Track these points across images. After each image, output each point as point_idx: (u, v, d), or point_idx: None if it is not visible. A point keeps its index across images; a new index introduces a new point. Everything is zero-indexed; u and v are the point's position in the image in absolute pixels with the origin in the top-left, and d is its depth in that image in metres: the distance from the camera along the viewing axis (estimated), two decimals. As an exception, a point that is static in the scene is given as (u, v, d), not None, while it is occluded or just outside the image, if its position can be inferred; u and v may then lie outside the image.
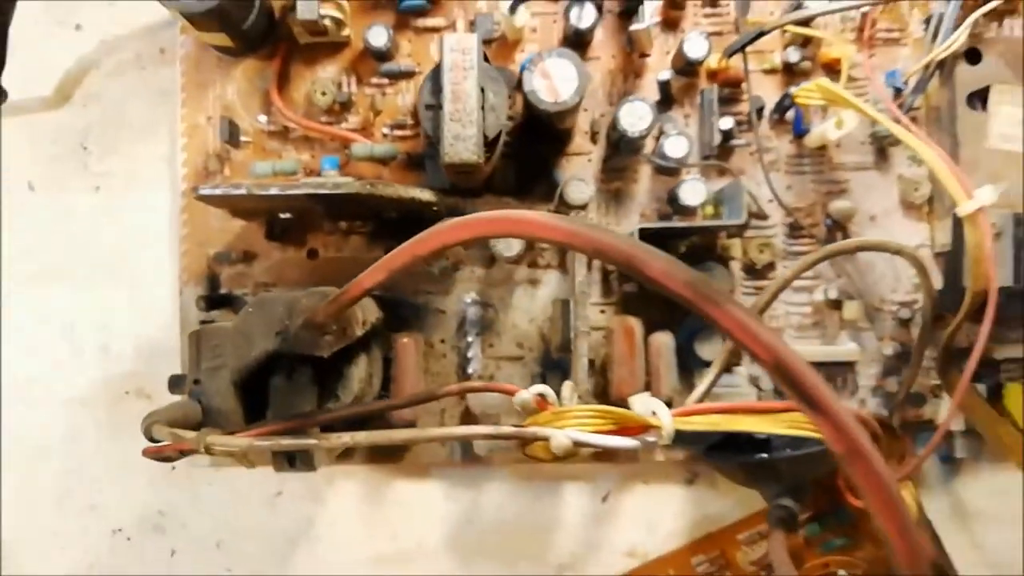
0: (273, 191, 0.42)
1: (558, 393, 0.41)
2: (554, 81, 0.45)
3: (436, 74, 0.44)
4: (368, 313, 0.45)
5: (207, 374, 0.42)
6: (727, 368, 0.51)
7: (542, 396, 0.37)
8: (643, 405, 0.38)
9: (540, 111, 0.46)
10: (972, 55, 0.49)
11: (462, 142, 0.44)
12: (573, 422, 0.36)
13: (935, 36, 0.50)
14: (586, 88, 0.46)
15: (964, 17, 0.49)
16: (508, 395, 0.37)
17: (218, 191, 0.42)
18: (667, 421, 0.36)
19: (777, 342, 0.20)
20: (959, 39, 0.48)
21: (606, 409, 0.37)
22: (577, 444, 0.35)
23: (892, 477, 0.19)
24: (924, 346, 0.47)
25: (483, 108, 0.44)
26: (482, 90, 0.44)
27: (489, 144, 0.45)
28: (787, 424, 0.39)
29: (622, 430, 0.37)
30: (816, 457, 0.44)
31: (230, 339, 0.42)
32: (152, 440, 0.38)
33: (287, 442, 0.36)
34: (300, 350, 0.41)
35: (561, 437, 0.34)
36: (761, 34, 0.47)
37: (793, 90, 0.50)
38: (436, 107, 0.44)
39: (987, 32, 0.52)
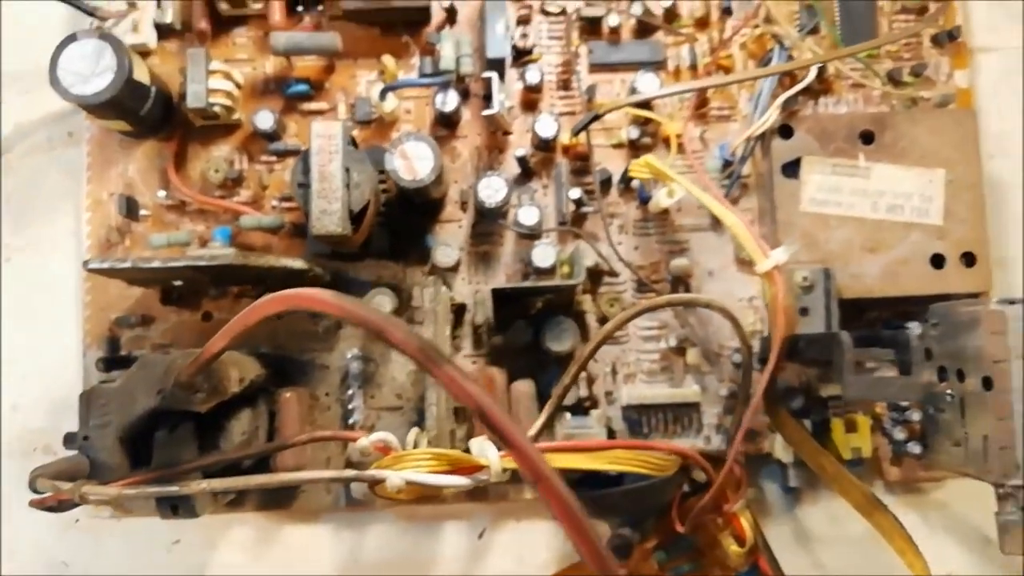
0: (155, 264, 0.47)
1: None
2: (412, 161, 0.52)
3: (306, 157, 0.50)
4: (246, 371, 0.50)
5: (95, 431, 0.47)
6: (584, 410, 0.57)
7: (384, 442, 0.42)
8: (478, 447, 0.43)
9: (400, 188, 0.52)
10: (785, 131, 0.56)
11: (328, 216, 0.49)
12: (411, 465, 0.41)
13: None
14: (441, 167, 0.52)
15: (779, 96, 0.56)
16: (351, 442, 0.42)
17: (105, 264, 0.47)
18: (495, 461, 0.42)
19: (480, 394, 0.26)
20: (771, 118, 0.55)
21: (442, 452, 0.42)
22: (410, 484, 0.40)
23: (572, 496, 0.24)
24: (748, 386, 0.53)
25: (348, 186, 0.50)
26: (347, 170, 0.50)
27: (355, 217, 0.51)
28: (607, 460, 0.45)
29: (456, 470, 0.42)
30: (650, 490, 0.50)
31: (116, 398, 0.47)
32: (36, 492, 0.43)
33: (152, 490, 0.40)
34: (177, 407, 0.45)
35: (395, 478, 0.39)
36: (596, 117, 0.54)
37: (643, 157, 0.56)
38: (306, 185, 0.50)
39: (803, 109, 0.60)
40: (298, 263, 0.51)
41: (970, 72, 0.61)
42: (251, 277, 0.54)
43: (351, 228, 0.50)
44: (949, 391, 0.53)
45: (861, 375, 0.43)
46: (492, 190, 0.55)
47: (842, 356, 0.43)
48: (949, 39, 0.60)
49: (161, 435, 0.47)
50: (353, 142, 0.52)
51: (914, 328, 0.56)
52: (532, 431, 0.47)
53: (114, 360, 0.56)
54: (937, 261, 0.55)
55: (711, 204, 0.50)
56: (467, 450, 0.44)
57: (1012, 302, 0.49)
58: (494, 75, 0.54)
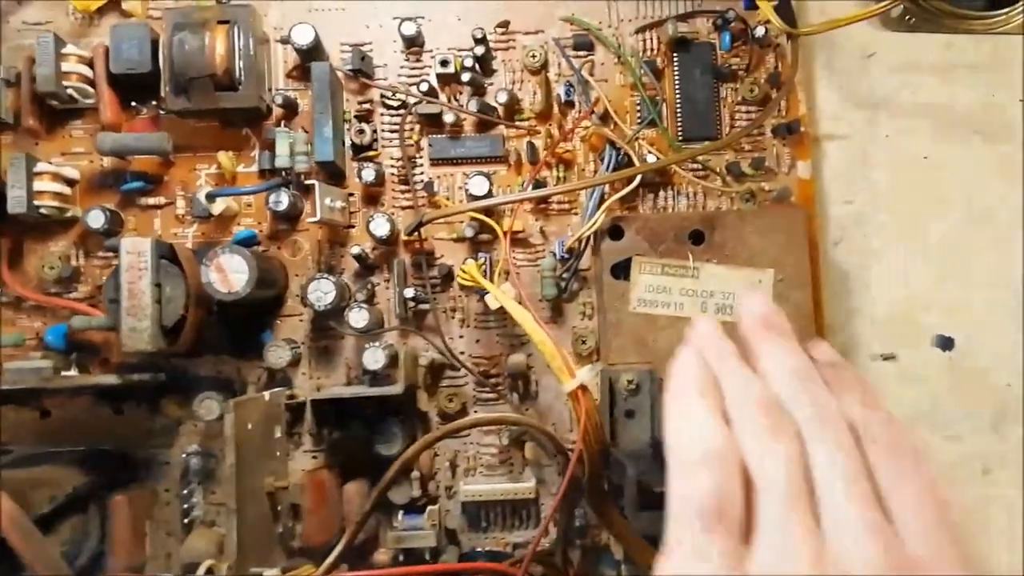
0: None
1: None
2: (228, 274, 0.52)
3: (117, 273, 0.50)
4: (60, 487, 0.50)
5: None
6: (419, 509, 0.57)
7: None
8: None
9: (218, 300, 0.52)
10: (615, 232, 0.56)
11: (137, 334, 0.49)
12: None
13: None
14: (256, 280, 0.52)
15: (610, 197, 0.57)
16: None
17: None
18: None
19: None
20: (598, 221, 0.55)
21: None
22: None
23: None
24: (567, 493, 0.54)
25: (159, 302, 0.50)
26: (158, 286, 0.50)
27: (171, 330, 0.51)
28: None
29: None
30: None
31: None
32: None
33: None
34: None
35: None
36: (421, 224, 0.54)
37: (467, 263, 0.56)
38: (116, 302, 0.50)
39: (643, 204, 0.60)
40: (110, 379, 0.51)
41: (812, 162, 0.61)
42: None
43: (164, 343, 0.50)
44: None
45: (643, 513, 0.43)
46: (321, 293, 0.55)
47: (629, 492, 0.44)
48: (788, 132, 0.60)
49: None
50: (171, 254, 0.52)
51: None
52: (336, 551, 0.47)
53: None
54: (765, 360, 0.56)
55: (522, 320, 0.50)
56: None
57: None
58: (316, 183, 0.54)
